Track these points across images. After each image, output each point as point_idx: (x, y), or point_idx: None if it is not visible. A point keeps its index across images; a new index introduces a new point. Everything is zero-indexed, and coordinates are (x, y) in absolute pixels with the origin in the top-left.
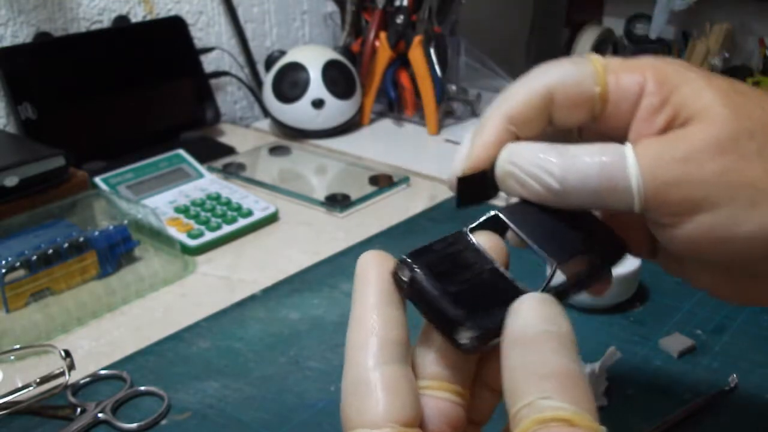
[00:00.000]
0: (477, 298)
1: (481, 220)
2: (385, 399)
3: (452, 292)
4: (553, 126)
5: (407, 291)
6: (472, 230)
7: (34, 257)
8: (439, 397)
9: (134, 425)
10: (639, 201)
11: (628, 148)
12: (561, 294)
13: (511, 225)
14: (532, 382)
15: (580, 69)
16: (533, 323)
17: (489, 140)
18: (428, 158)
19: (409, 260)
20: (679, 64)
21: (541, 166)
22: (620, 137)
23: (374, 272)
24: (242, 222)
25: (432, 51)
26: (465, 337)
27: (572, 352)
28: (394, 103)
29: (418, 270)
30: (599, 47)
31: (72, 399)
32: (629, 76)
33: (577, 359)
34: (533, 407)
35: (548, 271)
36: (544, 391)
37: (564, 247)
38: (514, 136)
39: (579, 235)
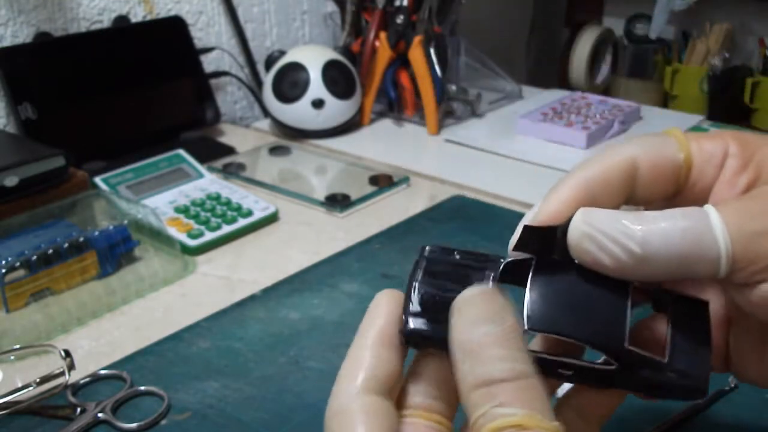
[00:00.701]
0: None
1: (516, 258)
2: (362, 428)
3: (432, 293)
4: (635, 202)
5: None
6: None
7: (34, 257)
8: (420, 424)
9: (134, 425)
10: (726, 260)
11: (710, 207)
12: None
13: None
14: (483, 392)
15: (662, 139)
16: (474, 325)
17: (565, 197)
18: (428, 158)
19: (428, 247)
20: (759, 135)
21: (621, 229)
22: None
23: (382, 312)
24: (242, 222)
25: (432, 51)
26: (412, 324)
27: (518, 352)
28: (394, 103)
29: (427, 254)
30: (599, 47)
31: (72, 399)
32: (711, 142)
33: (524, 357)
34: (487, 417)
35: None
36: (495, 398)
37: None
38: (591, 201)
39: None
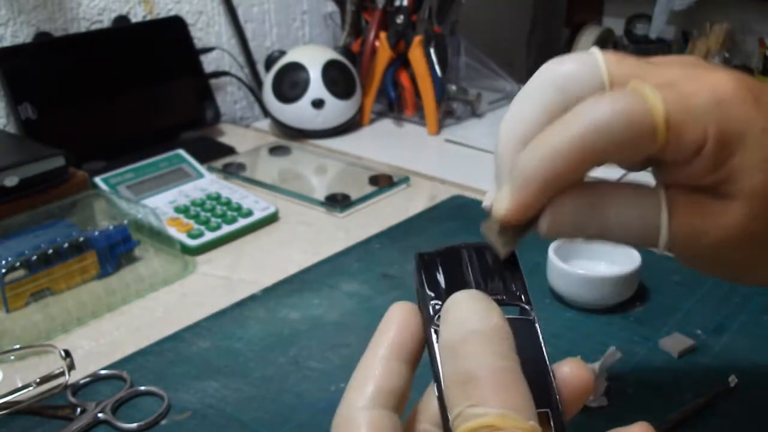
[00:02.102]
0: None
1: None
2: None
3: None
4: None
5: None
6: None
7: (34, 257)
8: None
9: (134, 425)
10: (665, 241)
11: (664, 218)
12: None
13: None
14: (460, 391)
15: (636, 126)
16: (459, 325)
17: (528, 203)
18: (428, 158)
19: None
20: (746, 106)
21: (583, 231)
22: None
23: (395, 326)
24: (242, 222)
25: (432, 51)
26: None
27: (501, 348)
28: (394, 103)
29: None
30: (599, 47)
31: (72, 399)
32: (690, 134)
33: (507, 354)
34: (462, 417)
35: None
36: (471, 398)
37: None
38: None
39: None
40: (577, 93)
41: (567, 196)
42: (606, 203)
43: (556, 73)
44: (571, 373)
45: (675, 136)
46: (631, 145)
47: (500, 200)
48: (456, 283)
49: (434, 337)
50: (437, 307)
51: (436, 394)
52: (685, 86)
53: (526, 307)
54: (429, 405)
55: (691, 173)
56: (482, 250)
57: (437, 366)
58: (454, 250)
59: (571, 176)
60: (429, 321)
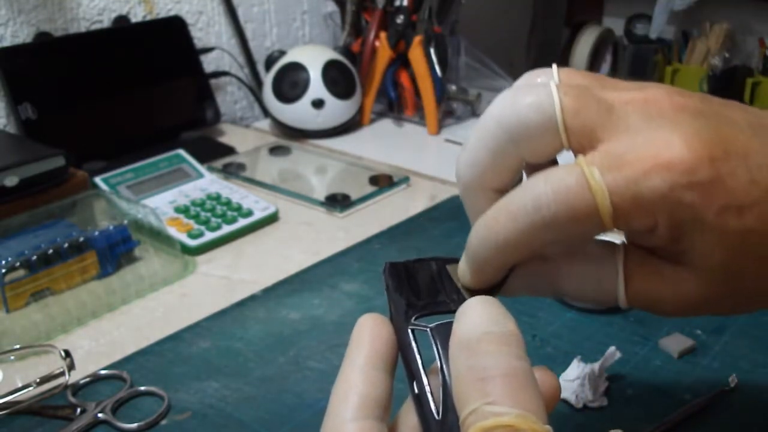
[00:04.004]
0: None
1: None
2: None
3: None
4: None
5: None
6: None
7: (34, 257)
8: None
9: (134, 425)
10: (623, 304)
11: (620, 287)
12: None
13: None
14: (476, 388)
15: (582, 219)
16: (476, 326)
17: (487, 280)
18: (428, 158)
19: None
20: (701, 187)
21: (539, 294)
22: None
23: (368, 336)
24: (242, 222)
25: (432, 51)
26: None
27: (516, 351)
28: (394, 103)
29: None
30: (599, 47)
31: (72, 399)
32: (640, 221)
33: (522, 357)
34: (478, 414)
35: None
36: (487, 395)
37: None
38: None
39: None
40: (530, 144)
41: (519, 268)
42: (558, 271)
43: (510, 119)
44: (540, 379)
45: (624, 224)
46: (578, 234)
47: (462, 272)
48: (428, 292)
49: (412, 336)
50: (410, 312)
51: (416, 391)
52: (637, 164)
53: None
54: (409, 415)
55: (645, 243)
56: (451, 262)
57: (417, 365)
58: (423, 263)
59: (523, 257)
60: (406, 321)
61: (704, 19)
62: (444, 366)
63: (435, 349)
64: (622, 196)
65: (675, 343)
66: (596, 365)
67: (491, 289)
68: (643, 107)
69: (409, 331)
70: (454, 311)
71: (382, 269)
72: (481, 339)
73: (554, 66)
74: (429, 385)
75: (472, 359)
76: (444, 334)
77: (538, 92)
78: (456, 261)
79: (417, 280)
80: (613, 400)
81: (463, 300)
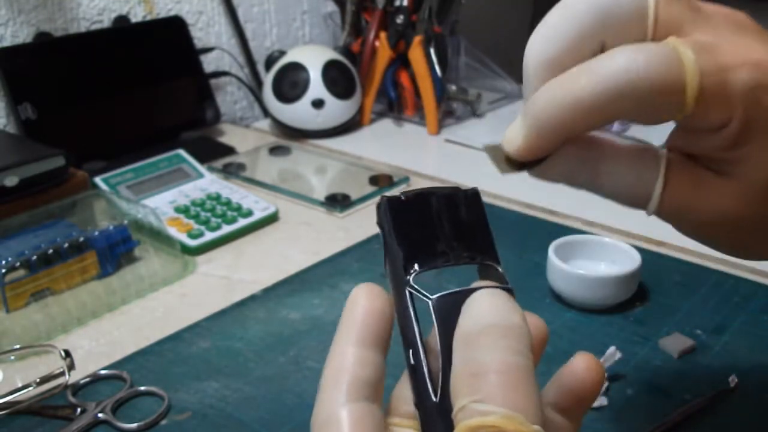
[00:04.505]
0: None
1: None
2: None
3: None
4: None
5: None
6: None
7: (34, 257)
8: None
9: (134, 425)
10: (654, 208)
11: (658, 188)
12: None
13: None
14: (467, 383)
15: (667, 94)
16: (480, 318)
17: (540, 147)
18: (428, 158)
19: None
20: None
21: (573, 182)
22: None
23: (361, 309)
24: (242, 222)
25: (432, 51)
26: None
27: (516, 345)
28: (394, 103)
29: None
30: None
31: (72, 399)
32: (718, 110)
33: (521, 352)
34: (465, 412)
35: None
36: (477, 392)
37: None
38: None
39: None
40: (617, 28)
41: (564, 148)
42: (601, 161)
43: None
44: (585, 366)
45: (702, 111)
46: (655, 110)
47: (513, 137)
48: (427, 239)
49: (410, 299)
50: (408, 266)
51: (412, 362)
52: (727, 55)
53: (498, 268)
54: (405, 392)
55: (703, 144)
56: (453, 198)
57: (414, 333)
58: (422, 197)
59: (588, 128)
60: (402, 282)
61: None
62: (443, 347)
63: (436, 325)
64: (711, 79)
65: (675, 343)
66: None
67: (531, 164)
68: (728, 18)
69: (407, 293)
70: (453, 265)
71: (377, 204)
72: (481, 332)
73: None
74: (426, 358)
75: (469, 352)
76: (446, 307)
77: None
78: (457, 192)
79: (415, 221)
80: (613, 400)
81: (464, 250)
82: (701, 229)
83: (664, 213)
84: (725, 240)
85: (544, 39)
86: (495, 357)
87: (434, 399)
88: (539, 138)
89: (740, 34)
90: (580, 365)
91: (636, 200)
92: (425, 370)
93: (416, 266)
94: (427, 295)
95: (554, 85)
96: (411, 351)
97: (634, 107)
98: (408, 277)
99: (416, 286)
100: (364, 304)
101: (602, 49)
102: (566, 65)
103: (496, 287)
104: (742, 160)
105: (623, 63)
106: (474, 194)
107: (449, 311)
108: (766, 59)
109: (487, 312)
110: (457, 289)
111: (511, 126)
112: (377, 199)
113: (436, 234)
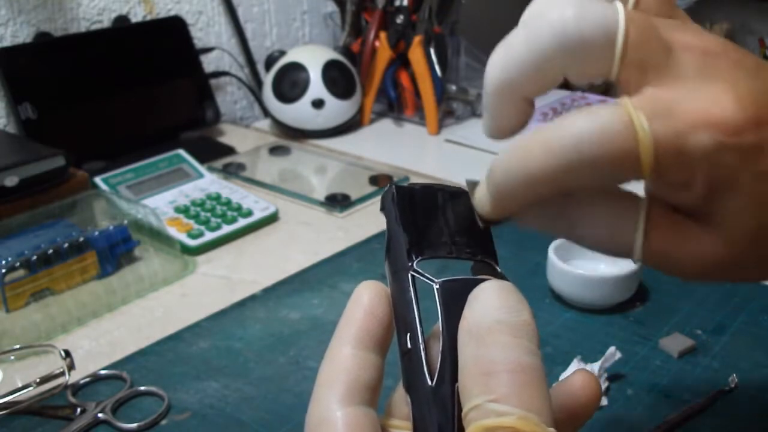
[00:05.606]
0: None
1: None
2: None
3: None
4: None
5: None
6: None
7: (34, 257)
8: None
9: (134, 425)
10: (638, 259)
11: (638, 240)
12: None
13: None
14: (481, 382)
15: (621, 164)
16: (488, 313)
17: (506, 212)
18: (428, 158)
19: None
20: (744, 149)
21: (552, 232)
22: None
23: (362, 309)
24: (242, 222)
25: (432, 51)
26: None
27: (528, 344)
28: (394, 103)
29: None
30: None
31: (72, 399)
32: (678, 174)
33: (533, 351)
34: (480, 411)
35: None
36: (492, 391)
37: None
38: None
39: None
40: (581, 60)
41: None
42: (576, 214)
43: (567, 30)
44: (581, 385)
45: (660, 175)
46: (613, 178)
47: (481, 200)
48: (431, 230)
49: (411, 283)
50: (412, 253)
51: (408, 346)
52: (688, 115)
53: (497, 268)
54: (403, 399)
55: (675, 198)
56: (458, 197)
57: (414, 316)
58: (430, 191)
59: (549, 196)
60: (404, 267)
61: (704, 19)
62: (446, 332)
63: (439, 309)
64: (666, 147)
65: (675, 343)
66: (596, 365)
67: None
68: (700, 57)
69: (410, 276)
70: (454, 257)
71: (385, 191)
72: (491, 328)
73: None
74: (424, 343)
75: (480, 349)
76: (450, 293)
77: (606, 12)
78: (463, 193)
79: (421, 211)
80: (613, 400)
81: (466, 246)
82: (687, 274)
83: (648, 262)
84: (714, 279)
85: (503, 62)
86: (508, 356)
87: (430, 383)
88: (502, 205)
89: (709, 79)
90: (576, 383)
91: (618, 251)
92: (422, 354)
93: (419, 253)
94: (432, 278)
95: (510, 157)
96: (408, 335)
97: (590, 177)
98: (411, 262)
99: (420, 270)
100: (365, 303)
101: (560, 81)
102: (526, 90)
103: (504, 280)
104: (718, 213)
105: (574, 135)
106: None
107: (453, 297)
108: (728, 115)
109: (497, 306)
110: (463, 277)
111: (478, 187)
112: (377, 199)
113: (440, 226)
